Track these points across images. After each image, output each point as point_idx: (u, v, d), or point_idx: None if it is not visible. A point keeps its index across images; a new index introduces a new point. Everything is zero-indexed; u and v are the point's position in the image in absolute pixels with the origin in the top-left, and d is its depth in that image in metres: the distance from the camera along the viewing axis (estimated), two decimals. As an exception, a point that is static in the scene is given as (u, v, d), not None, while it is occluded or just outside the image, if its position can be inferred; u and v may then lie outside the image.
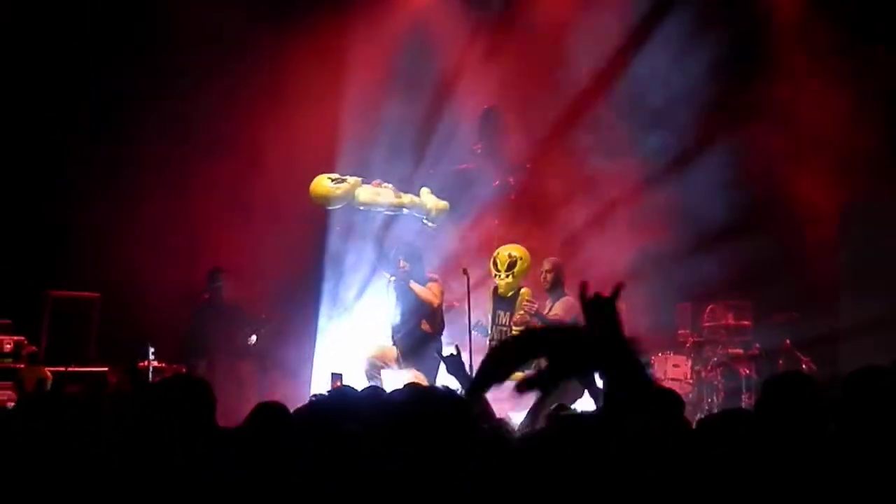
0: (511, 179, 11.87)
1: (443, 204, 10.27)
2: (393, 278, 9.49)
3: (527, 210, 11.55)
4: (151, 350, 9.48)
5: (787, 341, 10.51)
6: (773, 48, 11.22)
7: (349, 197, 9.73)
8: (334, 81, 11.42)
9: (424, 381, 9.24)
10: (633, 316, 11.20)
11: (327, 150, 10.81)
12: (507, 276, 9.32)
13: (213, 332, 10.73)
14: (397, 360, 9.39)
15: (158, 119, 11.07)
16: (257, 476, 3.35)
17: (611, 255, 10.60)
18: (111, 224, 10.78)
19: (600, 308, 2.86)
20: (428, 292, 9.39)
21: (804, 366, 10.11)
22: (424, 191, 10.27)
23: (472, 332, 9.32)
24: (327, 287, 10.40)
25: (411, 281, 9.33)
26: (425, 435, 2.87)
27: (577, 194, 11.47)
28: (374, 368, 9.23)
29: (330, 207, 9.86)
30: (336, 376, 9.04)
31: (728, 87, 11.05)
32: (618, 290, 2.85)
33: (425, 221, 10.22)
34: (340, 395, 4.32)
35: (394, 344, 9.46)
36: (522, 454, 2.75)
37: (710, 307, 11.15)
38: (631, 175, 11.40)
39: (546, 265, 9.27)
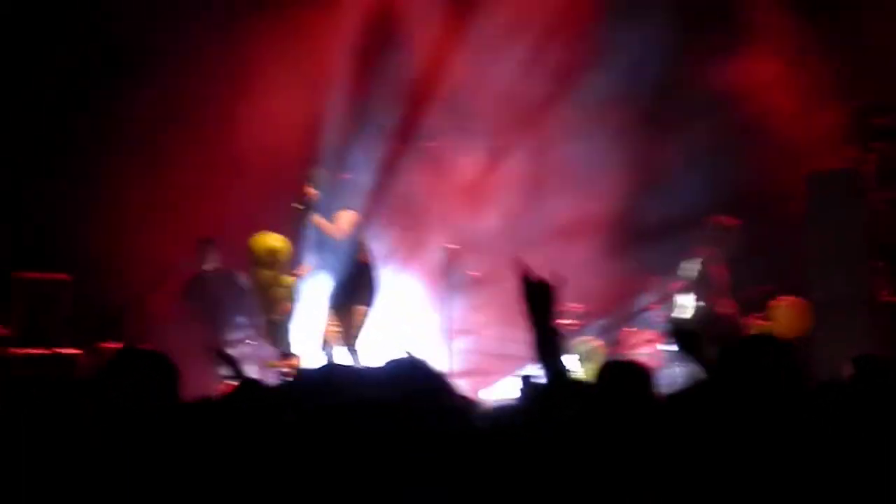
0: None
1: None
2: (302, 207, 9.10)
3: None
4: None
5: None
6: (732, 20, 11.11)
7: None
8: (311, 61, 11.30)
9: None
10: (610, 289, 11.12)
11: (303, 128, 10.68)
12: None
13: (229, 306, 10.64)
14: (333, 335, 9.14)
15: (133, 90, 10.93)
16: (230, 450, 3.32)
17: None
18: (84, 203, 10.69)
19: (540, 296, 2.90)
20: (330, 226, 8.96)
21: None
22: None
23: None
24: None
25: (316, 214, 8.96)
26: (409, 408, 2.87)
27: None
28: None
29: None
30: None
31: (685, 58, 10.91)
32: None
33: None
34: (328, 370, 4.24)
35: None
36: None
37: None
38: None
39: None
